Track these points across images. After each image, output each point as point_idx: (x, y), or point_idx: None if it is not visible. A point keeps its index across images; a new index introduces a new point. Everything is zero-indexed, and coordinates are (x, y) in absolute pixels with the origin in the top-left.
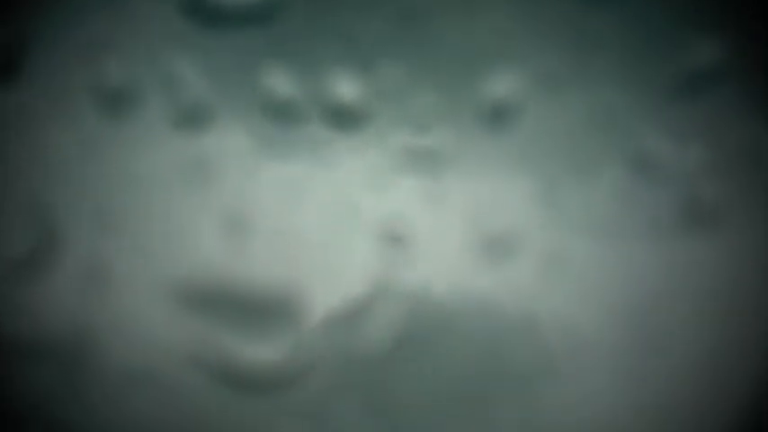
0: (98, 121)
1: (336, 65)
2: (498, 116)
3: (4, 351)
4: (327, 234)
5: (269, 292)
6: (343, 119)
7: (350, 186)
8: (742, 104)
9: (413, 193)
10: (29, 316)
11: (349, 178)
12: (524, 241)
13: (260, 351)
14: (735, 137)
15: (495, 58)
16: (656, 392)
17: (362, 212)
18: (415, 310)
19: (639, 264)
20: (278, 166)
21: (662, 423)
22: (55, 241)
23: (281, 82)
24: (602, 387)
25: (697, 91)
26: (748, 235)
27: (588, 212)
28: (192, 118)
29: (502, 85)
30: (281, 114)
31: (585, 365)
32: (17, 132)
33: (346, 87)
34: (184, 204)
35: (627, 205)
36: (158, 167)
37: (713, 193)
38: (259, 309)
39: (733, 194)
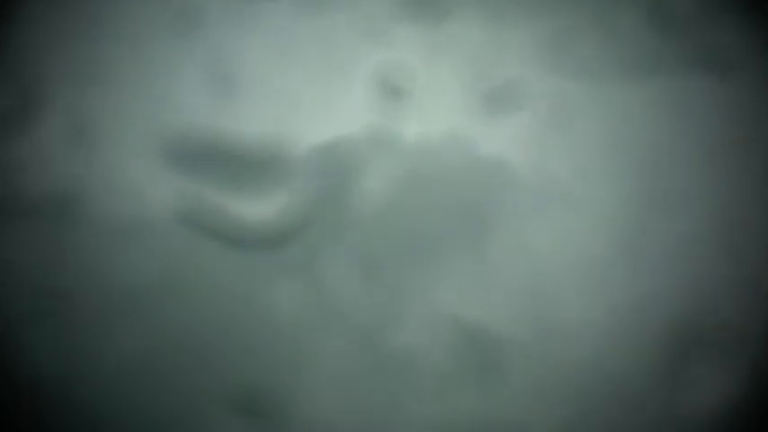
0: None
1: None
2: None
3: None
4: (320, 85)
5: (259, 145)
6: None
7: (344, 34)
8: None
9: (411, 41)
10: (12, 174)
11: (343, 25)
12: (527, 91)
13: (251, 207)
14: None
15: None
16: (648, 242)
17: (357, 62)
18: (411, 165)
19: (644, 112)
20: (266, 13)
21: (651, 267)
22: (37, 97)
23: None
24: (588, 234)
25: None
26: (755, 83)
27: (595, 58)
28: None
29: None
30: None
31: (571, 214)
32: None
33: None
34: (169, 56)
35: (635, 49)
36: (141, 18)
37: (722, 37)
38: (249, 163)
39: (741, 40)
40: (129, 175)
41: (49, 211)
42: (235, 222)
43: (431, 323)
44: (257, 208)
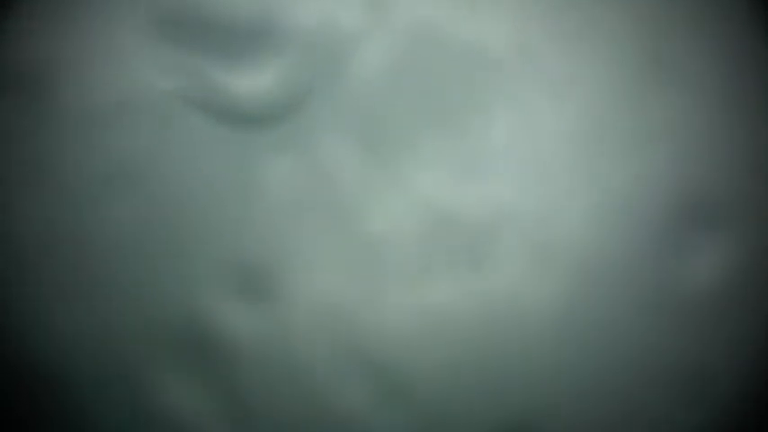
0: None
1: None
2: None
3: None
4: None
5: (252, 17)
6: None
7: None
8: None
9: None
10: None
11: None
12: None
13: (247, 82)
14: None
15: None
16: (644, 117)
17: None
18: (410, 40)
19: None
20: None
21: (648, 142)
22: None
23: None
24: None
25: None
26: None
27: None
28: None
29: None
30: None
31: (566, 91)
32: None
33: None
34: None
35: None
36: None
37: None
38: (242, 36)
39: None
40: (113, 48)
41: (29, 85)
42: (228, 97)
43: (424, 204)
44: (251, 82)
